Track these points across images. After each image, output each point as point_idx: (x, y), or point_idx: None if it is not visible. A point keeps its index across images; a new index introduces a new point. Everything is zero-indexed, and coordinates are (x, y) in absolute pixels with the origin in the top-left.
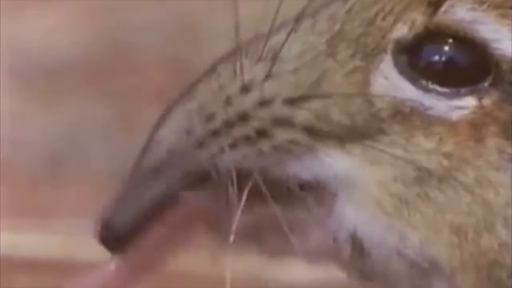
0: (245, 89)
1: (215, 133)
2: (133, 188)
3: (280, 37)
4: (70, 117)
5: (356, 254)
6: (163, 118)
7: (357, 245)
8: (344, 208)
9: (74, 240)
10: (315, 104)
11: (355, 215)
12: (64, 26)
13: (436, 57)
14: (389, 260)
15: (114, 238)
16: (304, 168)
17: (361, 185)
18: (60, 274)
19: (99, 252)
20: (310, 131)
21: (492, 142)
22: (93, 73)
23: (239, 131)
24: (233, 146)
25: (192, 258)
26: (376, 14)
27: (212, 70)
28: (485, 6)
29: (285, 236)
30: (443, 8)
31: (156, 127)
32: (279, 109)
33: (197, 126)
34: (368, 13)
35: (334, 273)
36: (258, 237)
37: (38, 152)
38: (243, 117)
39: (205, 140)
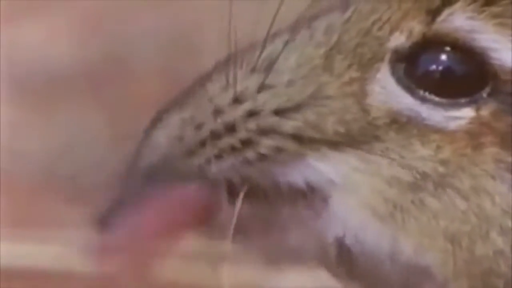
0: (237, 100)
1: (202, 144)
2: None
3: (275, 47)
4: (68, 127)
5: (343, 257)
6: (155, 122)
7: (344, 249)
8: (334, 212)
9: (72, 250)
10: (308, 114)
11: (346, 219)
12: (61, 36)
13: (433, 66)
14: (380, 266)
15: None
16: (293, 174)
17: (355, 190)
18: (58, 284)
19: (98, 263)
20: (299, 138)
21: (490, 151)
22: (91, 83)
23: (225, 142)
24: (218, 156)
25: (189, 268)
26: (373, 24)
27: (206, 78)
28: (484, 15)
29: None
30: (441, 17)
31: (148, 130)
32: (267, 119)
33: (188, 134)
34: (365, 23)
35: (332, 282)
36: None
37: (37, 162)
38: (231, 128)
39: (194, 150)
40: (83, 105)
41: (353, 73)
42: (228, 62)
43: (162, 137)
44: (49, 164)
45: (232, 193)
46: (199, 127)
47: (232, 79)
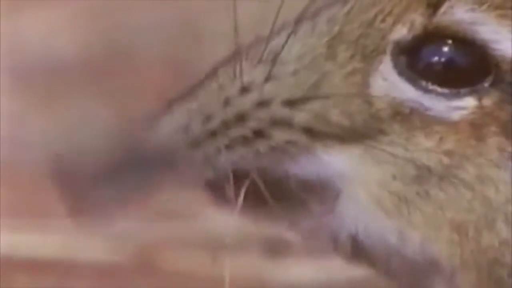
0: (244, 90)
1: (212, 134)
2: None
3: (280, 40)
4: (70, 117)
5: (356, 252)
6: (161, 113)
7: (358, 245)
8: (345, 207)
9: (74, 240)
10: (314, 106)
11: (356, 214)
12: (63, 26)
13: (436, 58)
14: (390, 259)
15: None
16: (303, 167)
17: (361, 184)
18: (60, 274)
19: (99, 252)
20: (309, 131)
21: (493, 141)
22: (93, 74)
23: (236, 132)
24: (229, 146)
25: (192, 258)
26: (375, 16)
27: (213, 71)
28: (485, 6)
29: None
30: (442, 9)
31: (154, 120)
32: (278, 110)
33: (195, 125)
34: (367, 14)
35: (334, 273)
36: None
37: (38, 153)
38: (241, 118)
39: (202, 140)
40: (85, 95)
41: (356, 64)
42: (235, 55)
43: (168, 127)
44: (51, 155)
45: (238, 184)
46: (208, 118)
47: (238, 70)
